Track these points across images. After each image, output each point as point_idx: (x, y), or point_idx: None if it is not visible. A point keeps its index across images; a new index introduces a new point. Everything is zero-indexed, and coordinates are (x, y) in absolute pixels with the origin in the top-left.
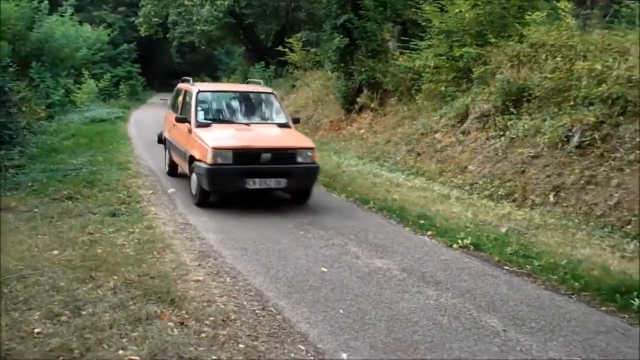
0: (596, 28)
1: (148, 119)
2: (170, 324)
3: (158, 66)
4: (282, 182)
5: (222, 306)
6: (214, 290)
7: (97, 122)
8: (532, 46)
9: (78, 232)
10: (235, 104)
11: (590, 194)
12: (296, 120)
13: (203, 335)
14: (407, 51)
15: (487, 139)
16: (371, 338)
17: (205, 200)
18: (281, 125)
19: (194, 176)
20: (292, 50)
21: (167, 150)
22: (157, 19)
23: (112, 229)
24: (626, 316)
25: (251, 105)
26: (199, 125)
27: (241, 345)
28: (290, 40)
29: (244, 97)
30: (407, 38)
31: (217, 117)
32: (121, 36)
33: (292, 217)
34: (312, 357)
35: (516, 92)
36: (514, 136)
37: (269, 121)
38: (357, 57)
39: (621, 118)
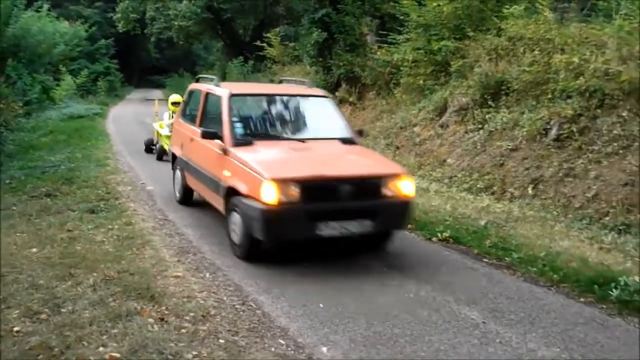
0: (574, 21)
1: (127, 115)
2: (150, 320)
3: (136, 62)
4: (367, 225)
5: (202, 302)
6: (194, 286)
7: (75, 119)
8: (510, 39)
9: (57, 229)
10: (280, 112)
11: (569, 186)
12: (361, 133)
13: (183, 330)
14: (386, 45)
15: (466, 132)
16: (351, 332)
17: (254, 252)
18: (345, 141)
19: (235, 217)
20: (270, 45)
21: (178, 172)
22: (135, 15)
23: (91, 226)
24: (604, 307)
25: (302, 114)
26: (238, 143)
27: (221, 341)
28: (268, 35)
29: (291, 103)
30: (385, 32)
31: (258, 131)
32: (99, 32)
33: None
34: (292, 352)
35: (494, 85)
36: (492, 129)
37: (328, 135)
38: (335, 52)
39: (599, 111)
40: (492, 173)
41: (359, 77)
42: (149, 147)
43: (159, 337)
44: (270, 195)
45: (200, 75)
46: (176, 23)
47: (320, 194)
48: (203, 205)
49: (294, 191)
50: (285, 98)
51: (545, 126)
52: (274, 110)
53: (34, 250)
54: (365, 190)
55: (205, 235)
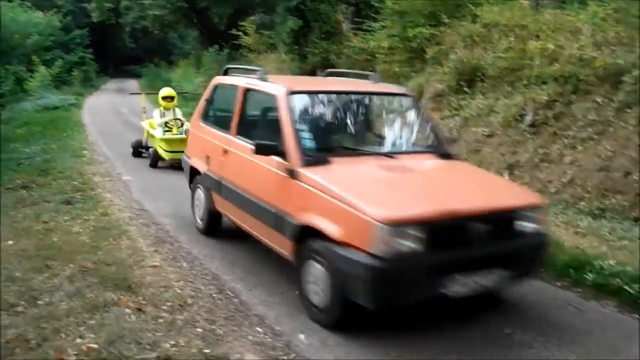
0: (548, 8)
1: (102, 105)
2: (127, 310)
3: (111, 52)
4: (503, 276)
5: (179, 291)
6: (171, 276)
7: (50, 110)
8: (485, 26)
9: (33, 221)
10: (355, 116)
11: (544, 172)
12: (451, 141)
13: (160, 320)
14: (361, 32)
15: (442, 119)
16: None
17: (348, 319)
18: (443, 155)
19: (316, 271)
20: (245, 34)
21: (200, 193)
22: (109, 4)
23: (67, 217)
24: (580, 290)
25: (382, 119)
26: (310, 161)
27: (199, 330)
28: (244, 23)
29: (366, 104)
30: (360, 19)
31: (330, 143)
32: (73, 21)
33: None
34: (269, 339)
35: (470, 71)
36: (468, 116)
37: (419, 147)
38: (311, 39)
39: (573, 96)
40: (468, 159)
41: (335, 64)
42: (137, 149)
43: (136, 327)
44: (383, 243)
45: (230, 66)
46: (151, 12)
47: (448, 238)
48: (178, 193)
49: (417, 235)
50: (358, 97)
51: (520, 112)
52: (346, 114)
53: (10, 242)
54: (499, 229)
55: (182, 224)
